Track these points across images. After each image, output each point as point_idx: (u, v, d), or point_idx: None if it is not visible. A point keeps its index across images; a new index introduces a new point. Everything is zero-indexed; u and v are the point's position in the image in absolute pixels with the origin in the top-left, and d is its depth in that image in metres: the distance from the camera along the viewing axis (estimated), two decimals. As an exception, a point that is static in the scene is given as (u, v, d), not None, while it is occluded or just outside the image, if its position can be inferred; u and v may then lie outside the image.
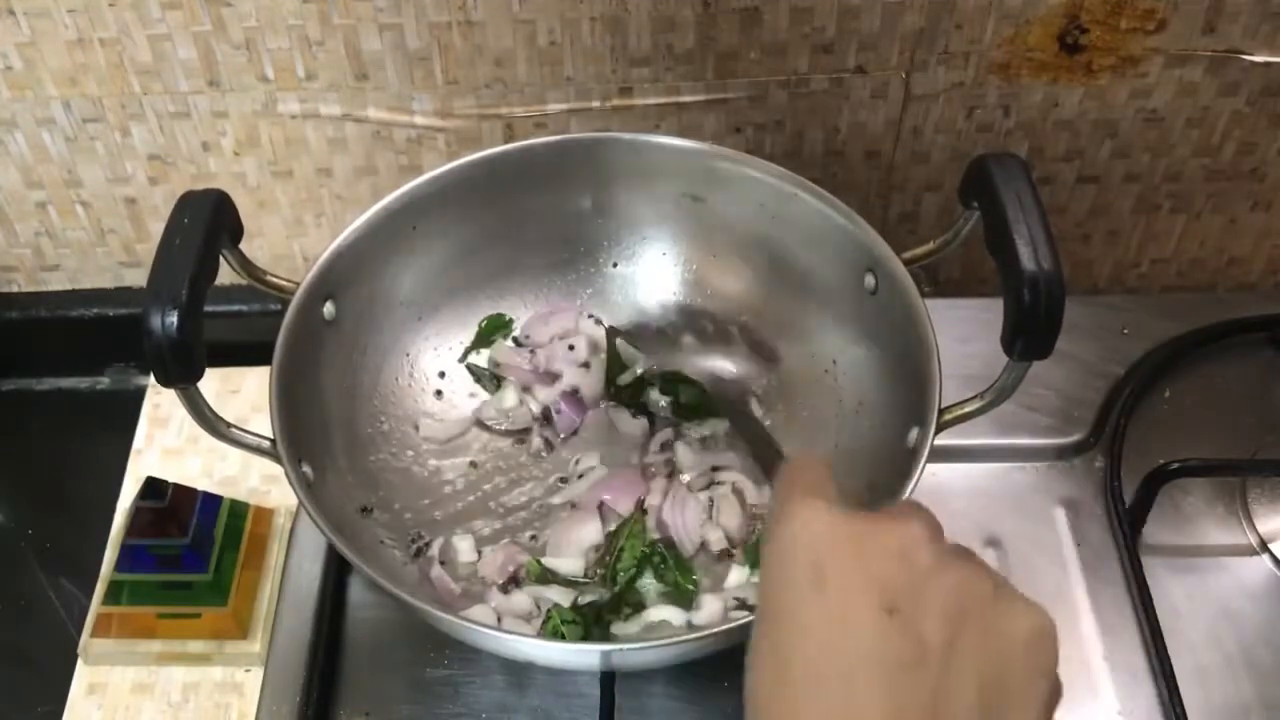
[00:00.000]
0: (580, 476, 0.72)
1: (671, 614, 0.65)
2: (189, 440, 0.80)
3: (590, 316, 0.77)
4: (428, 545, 0.68)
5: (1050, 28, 0.74)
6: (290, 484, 0.59)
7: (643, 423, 0.73)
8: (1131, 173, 0.83)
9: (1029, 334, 0.57)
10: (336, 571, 0.70)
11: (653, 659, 0.62)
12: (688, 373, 0.74)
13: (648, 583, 0.67)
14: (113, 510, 0.77)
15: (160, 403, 0.83)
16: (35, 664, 0.73)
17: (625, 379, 0.75)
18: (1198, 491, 0.74)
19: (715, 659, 0.57)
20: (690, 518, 0.68)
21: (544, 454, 0.73)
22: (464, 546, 0.68)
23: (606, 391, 0.75)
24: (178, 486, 0.72)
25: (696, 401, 0.73)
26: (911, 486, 0.58)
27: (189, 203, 0.59)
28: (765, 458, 0.61)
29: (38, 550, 0.78)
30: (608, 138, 0.73)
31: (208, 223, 0.58)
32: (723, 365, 0.75)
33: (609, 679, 0.67)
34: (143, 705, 0.69)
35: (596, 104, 0.77)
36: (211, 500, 0.71)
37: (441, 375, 0.75)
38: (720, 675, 0.64)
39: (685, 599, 0.66)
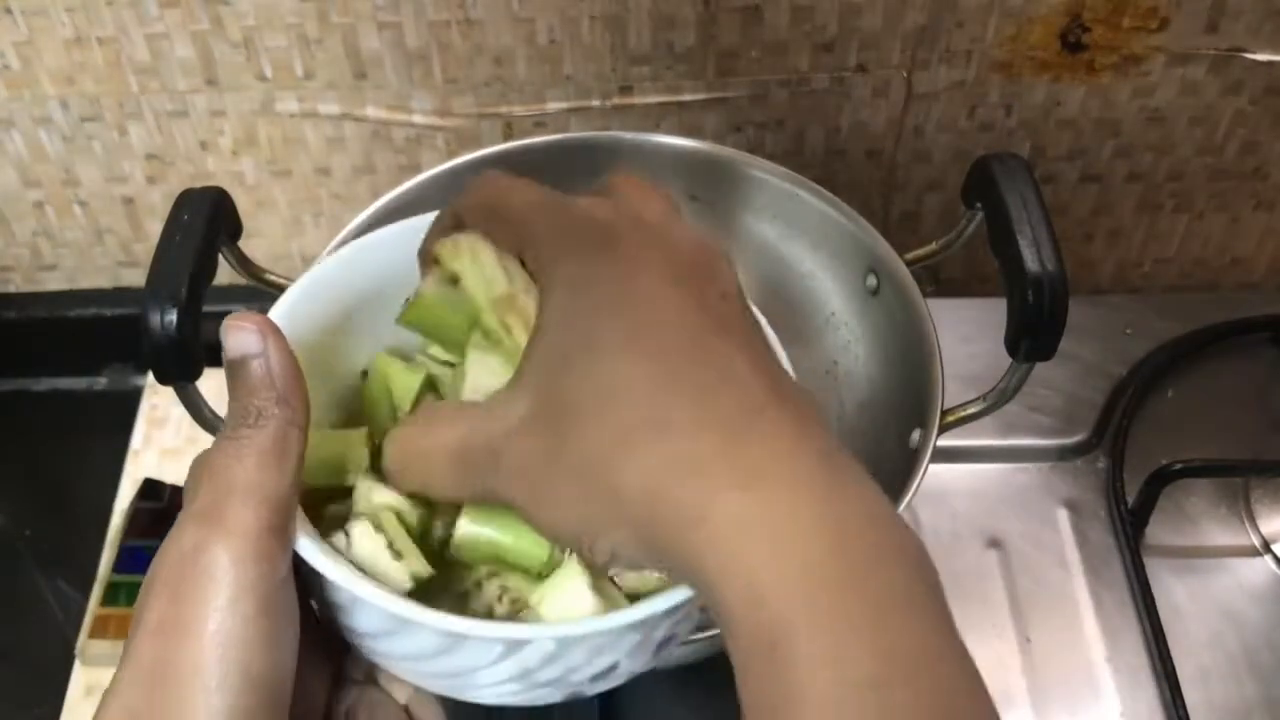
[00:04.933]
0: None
1: (672, 615, 0.65)
2: (187, 440, 0.80)
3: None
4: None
5: (1052, 26, 0.74)
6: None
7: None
8: (1134, 172, 0.82)
9: (1033, 335, 0.56)
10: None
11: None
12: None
13: (648, 584, 0.67)
14: (110, 511, 0.77)
15: (158, 403, 0.82)
16: (33, 665, 0.73)
17: None
18: (1200, 492, 0.74)
19: (715, 659, 0.56)
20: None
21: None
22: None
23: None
24: (176, 487, 0.72)
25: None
26: (914, 488, 0.58)
27: (188, 201, 0.58)
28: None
29: (35, 551, 0.78)
30: (608, 137, 0.73)
31: (207, 220, 0.57)
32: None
33: (609, 681, 0.67)
34: (141, 707, 0.69)
35: (596, 103, 0.77)
36: (210, 501, 0.71)
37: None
38: (720, 675, 0.64)
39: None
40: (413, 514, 0.37)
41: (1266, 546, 0.72)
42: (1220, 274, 0.89)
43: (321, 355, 0.40)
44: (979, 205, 0.61)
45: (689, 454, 0.30)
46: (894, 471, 0.61)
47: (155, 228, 0.57)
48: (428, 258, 0.38)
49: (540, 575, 0.37)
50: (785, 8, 0.72)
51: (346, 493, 0.38)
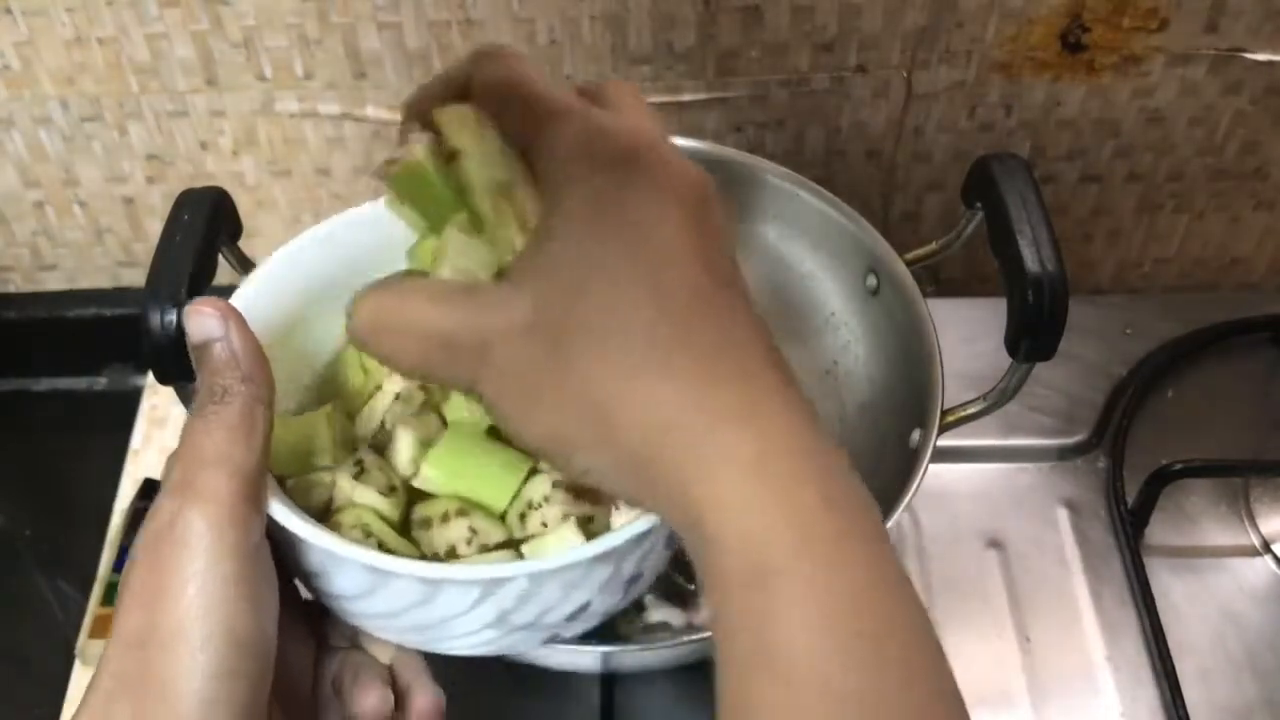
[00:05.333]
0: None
1: (671, 615, 0.65)
2: (187, 440, 0.80)
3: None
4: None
5: (1052, 27, 0.74)
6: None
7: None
8: (1134, 172, 0.82)
9: (1033, 335, 0.56)
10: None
11: (653, 660, 0.62)
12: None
13: (648, 584, 0.67)
14: (110, 511, 0.77)
15: (158, 403, 0.82)
16: (32, 665, 0.73)
17: None
18: (1200, 492, 0.74)
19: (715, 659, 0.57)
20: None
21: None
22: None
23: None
24: (176, 487, 0.72)
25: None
26: (914, 488, 0.58)
27: (188, 200, 0.58)
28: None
29: (35, 551, 0.78)
30: (608, 137, 0.73)
31: (207, 220, 0.57)
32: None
33: (609, 680, 0.67)
34: (141, 707, 0.69)
35: (597, 103, 0.77)
36: (210, 501, 0.71)
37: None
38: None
39: (685, 599, 0.66)
40: (390, 507, 0.38)
41: (1266, 546, 0.72)
42: (1220, 274, 0.89)
43: (286, 339, 0.41)
44: (979, 205, 0.61)
45: (693, 402, 0.32)
46: (894, 471, 0.61)
47: (155, 227, 0.57)
48: (422, 119, 0.37)
49: (503, 518, 0.38)
50: (785, 8, 0.72)
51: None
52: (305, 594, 0.39)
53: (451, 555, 0.38)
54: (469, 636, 0.38)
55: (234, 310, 0.36)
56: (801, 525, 0.31)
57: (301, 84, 0.75)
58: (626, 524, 0.36)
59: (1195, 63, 0.76)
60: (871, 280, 0.67)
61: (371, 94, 0.76)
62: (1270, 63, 0.76)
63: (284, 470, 0.38)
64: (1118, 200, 0.84)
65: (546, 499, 0.38)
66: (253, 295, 0.40)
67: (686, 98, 0.77)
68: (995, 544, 0.72)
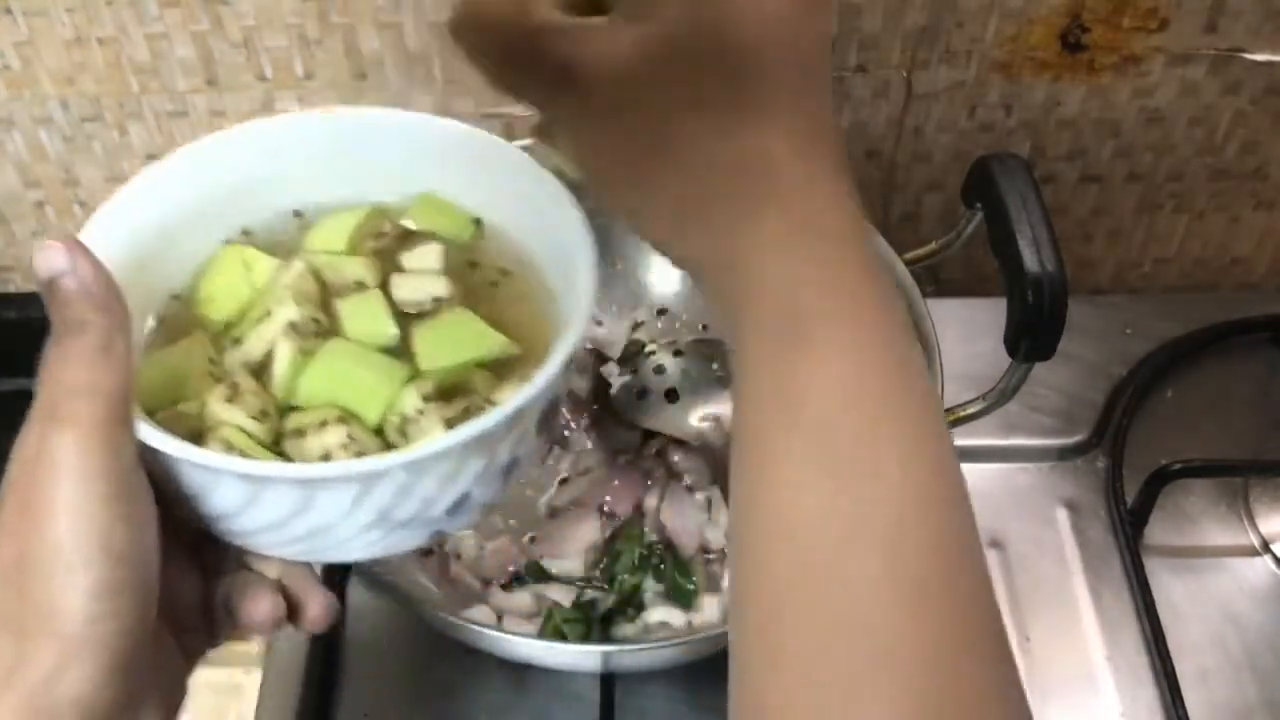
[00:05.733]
0: (582, 474, 0.71)
1: (671, 615, 0.65)
2: (188, 440, 0.80)
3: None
4: (441, 543, 0.68)
5: (1052, 26, 0.74)
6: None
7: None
8: (1134, 172, 0.82)
9: (1032, 335, 0.56)
10: (335, 571, 0.70)
11: (653, 659, 0.62)
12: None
13: (647, 584, 0.67)
14: (111, 511, 0.77)
15: (159, 403, 0.82)
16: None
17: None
18: (1200, 492, 0.74)
19: (715, 659, 0.57)
20: (689, 519, 0.68)
21: (544, 454, 0.73)
22: (468, 545, 0.68)
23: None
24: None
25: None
26: (913, 487, 0.57)
27: (187, 202, 0.58)
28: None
29: (36, 551, 0.78)
30: (608, 137, 0.72)
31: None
32: (722, 365, 0.75)
33: (609, 680, 0.67)
34: (141, 706, 0.69)
35: (597, 103, 0.77)
36: (210, 501, 0.71)
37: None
38: (720, 675, 0.64)
39: (685, 599, 0.66)
40: (262, 430, 0.38)
41: (1266, 546, 0.72)
42: (1220, 274, 0.89)
43: (139, 273, 0.41)
44: (979, 205, 0.61)
45: (771, 153, 0.33)
46: (894, 471, 0.61)
47: (156, 228, 0.57)
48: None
49: (378, 431, 0.38)
50: (785, 8, 0.72)
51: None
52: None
53: (326, 459, 0.38)
54: (353, 540, 0.37)
55: (79, 244, 0.36)
56: (840, 282, 0.33)
57: (302, 84, 0.75)
58: (497, 408, 0.36)
59: (1195, 63, 0.76)
60: (871, 280, 0.67)
61: (372, 94, 0.76)
62: (1270, 63, 0.76)
63: (154, 405, 0.38)
64: (1117, 200, 0.84)
65: (421, 412, 0.38)
66: (100, 229, 0.41)
67: (686, 98, 0.77)
68: (995, 544, 0.72)
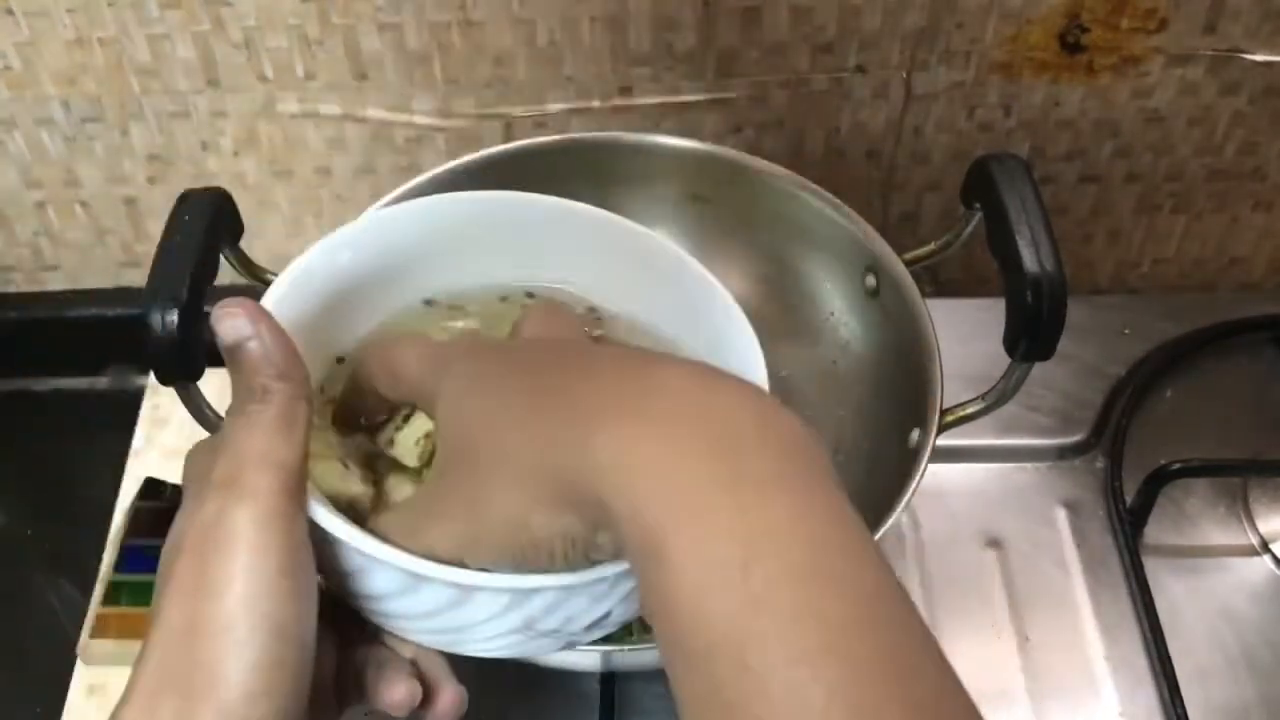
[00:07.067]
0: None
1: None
2: (189, 440, 0.79)
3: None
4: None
5: (1051, 27, 0.74)
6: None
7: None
8: (1133, 173, 0.83)
9: (1032, 335, 0.56)
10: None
11: (653, 659, 0.62)
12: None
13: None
14: (112, 511, 0.77)
15: (159, 403, 0.82)
16: (34, 665, 0.73)
17: None
18: (1199, 492, 0.74)
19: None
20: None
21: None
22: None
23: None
24: (178, 487, 0.72)
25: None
26: (913, 487, 0.58)
27: (189, 201, 0.58)
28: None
29: (37, 551, 0.78)
30: (608, 138, 0.73)
31: (208, 221, 0.58)
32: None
33: (609, 679, 0.67)
34: (142, 706, 0.69)
35: (596, 104, 0.77)
36: (211, 501, 0.71)
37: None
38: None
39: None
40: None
41: (1265, 546, 0.72)
42: (1219, 274, 0.89)
43: (314, 340, 0.41)
44: (978, 206, 0.61)
45: (569, 406, 0.33)
46: (893, 471, 0.61)
47: (156, 228, 0.57)
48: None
49: None
50: (785, 8, 0.72)
51: None
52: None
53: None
54: (492, 640, 0.38)
55: (263, 310, 0.37)
56: (675, 485, 0.30)
57: (302, 85, 0.76)
58: None
59: (1194, 63, 0.76)
60: (871, 281, 0.67)
61: (372, 95, 0.76)
62: (1268, 63, 0.76)
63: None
64: (1116, 200, 0.84)
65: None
66: (280, 296, 0.41)
67: (686, 98, 0.77)
68: (994, 544, 0.72)
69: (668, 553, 0.30)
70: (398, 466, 0.42)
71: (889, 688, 0.28)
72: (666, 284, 0.45)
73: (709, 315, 0.44)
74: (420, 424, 0.41)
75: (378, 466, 0.42)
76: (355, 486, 0.40)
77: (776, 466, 0.31)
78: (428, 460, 0.41)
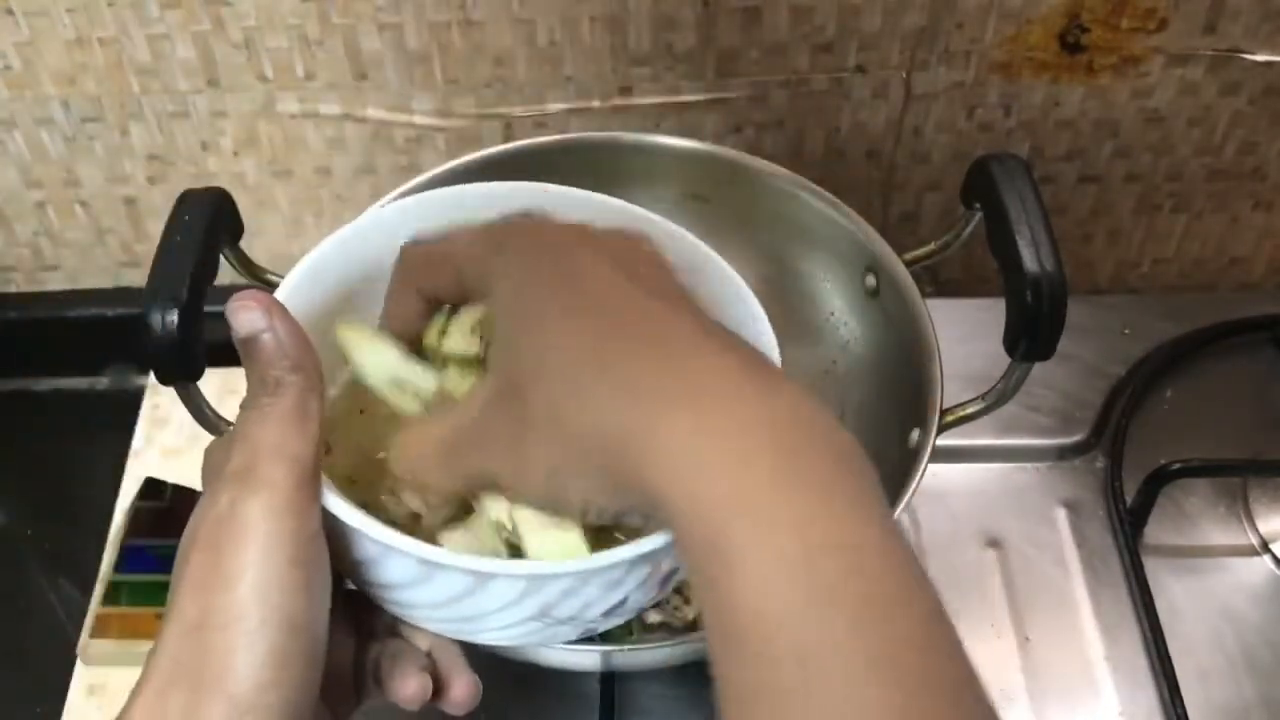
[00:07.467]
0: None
1: (671, 615, 0.65)
2: (189, 440, 0.80)
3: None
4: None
5: (1051, 27, 0.74)
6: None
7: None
8: (1133, 172, 0.83)
9: (1032, 335, 0.56)
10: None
11: (653, 659, 0.62)
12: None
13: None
14: (112, 510, 0.77)
15: (159, 403, 0.82)
16: (34, 665, 0.73)
17: None
18: (1199, 492, 0.74)
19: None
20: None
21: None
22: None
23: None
24: (177, 487, 0.72)
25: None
26: (913, 487, 0.58)
27: (189, 201, 0.58)
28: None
29: (37, 551, 0.78)
30: (608, 138, 0.73)
31: (208, 221, 0.57)
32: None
33: (609, 679, 0.67)
34: (142, 706, 0.69)
35: (596, 104, 0.77)
36: (211, 500, 0.71)
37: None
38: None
39: (686, 598, 0.66)
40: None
41: (1265, 546, 0.72)
42: (1219, 274, 0.89)
43: (324, 334, 0.41)
44: (978, 206, 0.61)
45: (630, 383, 0.32)
46: (893, 471, 0.61)
47: (156, 228, 0.57)
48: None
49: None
50: (785, 8, 0.72)
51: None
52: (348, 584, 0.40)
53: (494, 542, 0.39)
54: (509, 629, 0.38)
55: (276, 302, 0.37)
56: (742, 488, 0.31)
57: (302, 85, 0.76)
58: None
59: (1194, 63, 0.76)
60: (871, 280, 0.67)
61: (372, 95, 0.76)
62: (1268, 63, 0.76)
63: (338, 469, 0.39)
64: (1116, 200, 0.84)
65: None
66: (293, 290, 0.41)
67: (686, 98, 0.77)
68: (994, 544, 0.72)
69: (729, 549, 0.30)
70: (453, 361, 0.41)
71: (941, 709, 0.29)
72: (688, 275, 0.45)
73: (731, 308, 0.44)
74: (468, 315, 0.40)
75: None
76: (423, 380, 0.40)
77: (835, 472, 0.32)
78: (486, 348, 0.40)
